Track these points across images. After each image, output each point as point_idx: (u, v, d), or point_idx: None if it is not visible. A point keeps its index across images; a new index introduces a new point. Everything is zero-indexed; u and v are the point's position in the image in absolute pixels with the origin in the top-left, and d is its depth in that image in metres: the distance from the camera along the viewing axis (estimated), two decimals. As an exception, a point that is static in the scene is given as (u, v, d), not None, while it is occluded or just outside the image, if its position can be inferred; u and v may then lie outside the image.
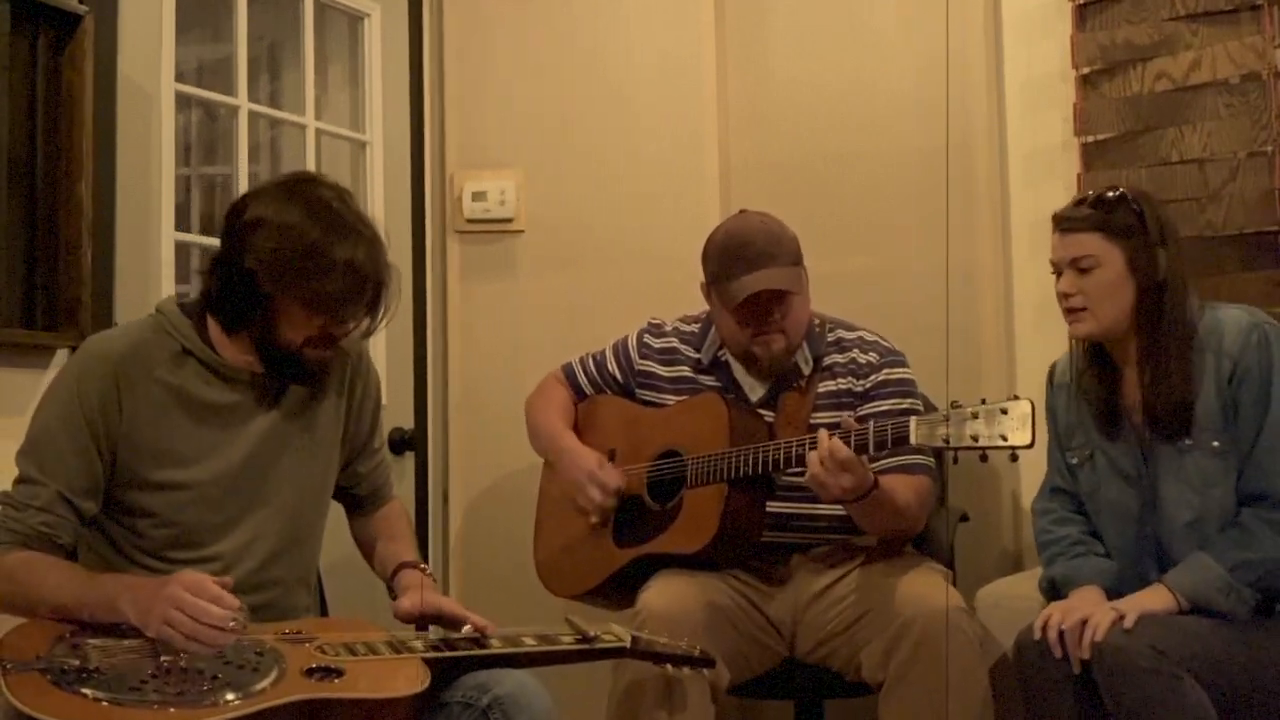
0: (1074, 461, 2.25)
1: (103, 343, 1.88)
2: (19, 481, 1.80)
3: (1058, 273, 2.17)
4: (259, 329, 1.84)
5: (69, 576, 1.74)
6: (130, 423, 1.82)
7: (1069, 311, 2.15)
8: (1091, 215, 2.13)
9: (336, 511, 2.16)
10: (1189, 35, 2.70)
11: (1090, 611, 1.98)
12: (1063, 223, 2.16)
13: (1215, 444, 2.07)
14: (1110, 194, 2.14)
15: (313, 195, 1.83)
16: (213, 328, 1.89)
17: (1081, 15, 2.82)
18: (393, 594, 2.03)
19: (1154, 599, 2.00)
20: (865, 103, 3.00)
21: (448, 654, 1.79)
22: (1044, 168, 2.89)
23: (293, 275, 1.78)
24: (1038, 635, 2.02)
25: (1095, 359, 2.21)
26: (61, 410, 1.81)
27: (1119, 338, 2.15)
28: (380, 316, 1.87)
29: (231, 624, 1.63)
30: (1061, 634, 1.99)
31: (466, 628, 1.86)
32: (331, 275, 1.78)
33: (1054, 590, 2.18)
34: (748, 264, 2.34)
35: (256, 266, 1.79)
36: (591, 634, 1.92)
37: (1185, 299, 2.11)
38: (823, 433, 2.14)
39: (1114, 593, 2.09)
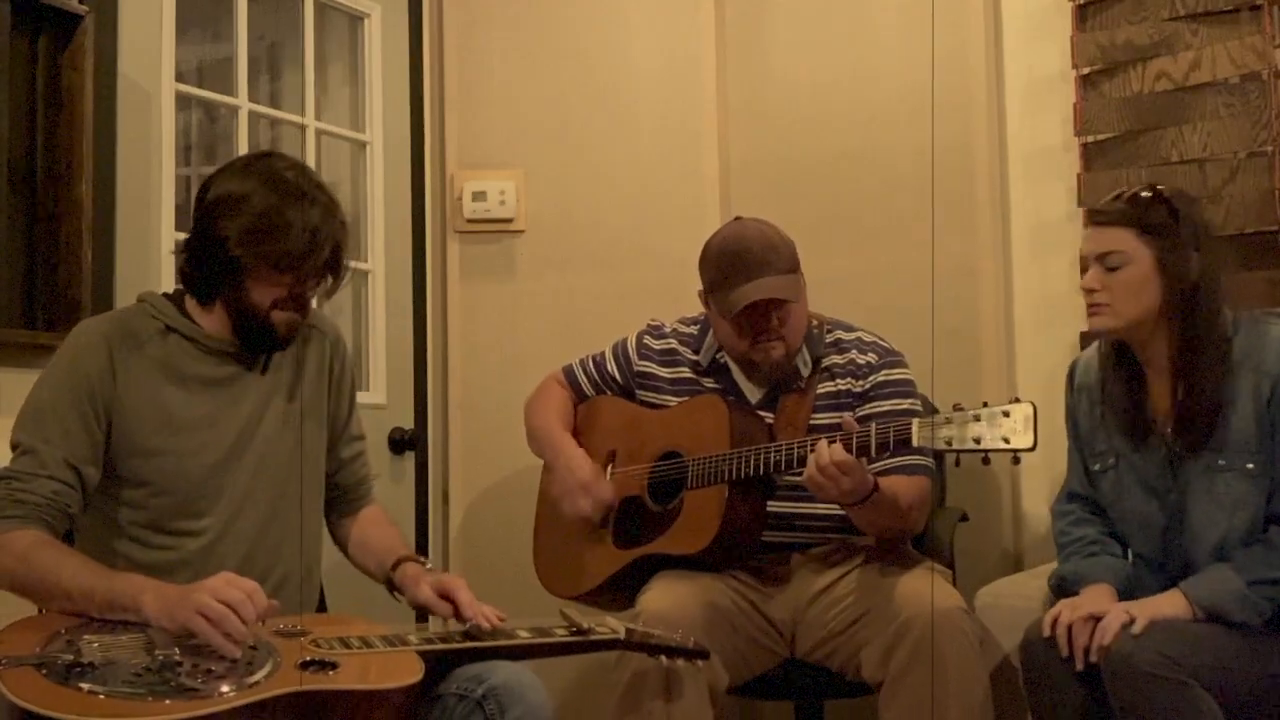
0: (1096, 468, 2.21)
1: (93, 322, 1.95)
2: (20, 454, 1.81)
3: (1085, 268, 2.12)
4: (230, 297, 1.91)
5: (86, 565, 1.75)
6: (124, 391, 1.87)
7: (1090, 306, 2.11)
8: (1125, 210, 2.08)
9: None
10: (1189, 35, 2.70)
11: (1100, 611, 1.96)
12: (1096, 215, 2.12)
13: (1250, 466, 2.02)
14: (1146, 192, 2.10)
15: (268, 167, 1.92)
16: (192, 306, 1.96)
17: (1081, 15, 2.82)
18: (393, 587, 2.04)
19: (1169, 605, 1.97)
20: (865, 102, 3.00)
21: (442, 647, 1.80)
22: (1044, 168, 2.89)
23: (256, 237, 1.86)
24: (1046, 632, 2.00)
25: (1120, 362, 2.16)
26: (60, 381, 1.85)
27: (1142, 339, 2.11)
28: (341, 275, 1.96)
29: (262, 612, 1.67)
30: (1070, 631, 1.97)
31: (470, 624, 1.87)
32: (291, 234, 1.86)
33: (1063, 587, 2.16)
34: (744, 273, 2.34)
35: (224, 236, 1.87)
36: (585, 626, 1.93)
37: (1218, 305, 2.06)
38: (822, 441, 2.14)
39: (1126, 593, 2.07)
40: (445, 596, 1.93)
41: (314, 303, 2.01)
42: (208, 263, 1.90)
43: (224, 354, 1.95)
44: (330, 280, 1.96)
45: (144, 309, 1.95)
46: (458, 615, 1.90)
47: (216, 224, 1.87)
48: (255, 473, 1.95)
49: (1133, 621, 1.92)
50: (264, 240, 1.86)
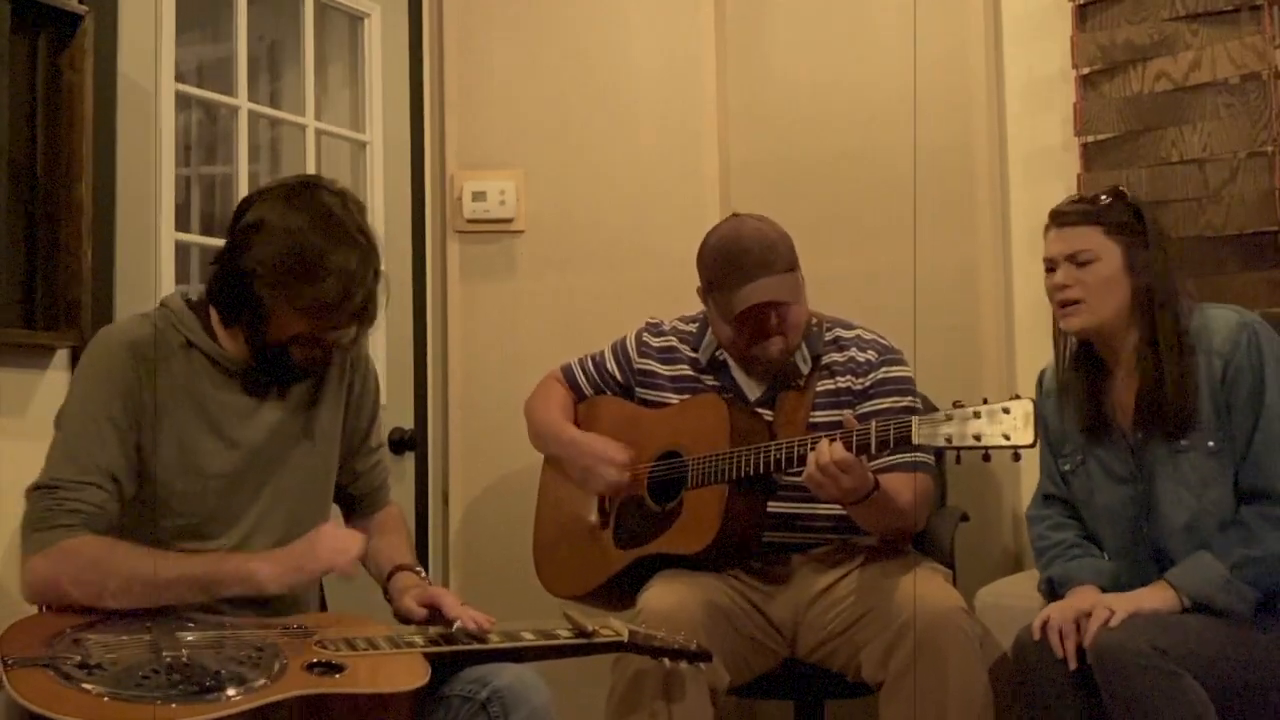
0: (1066, 468, 2.25)
1: (118, 332, 1.91)
2: (63, 462, 1.79)
3: (1052, 268, 2.17)
4: (249, 325, 1.88)
5: (168, 555, 1.76)
6: (148, 412, 1.84)
7: (1063, 305, 2.15)
8: (1089, 210, 2.15)
9: (337, 512, 2.16)
10: (1189, 35, 2.70)
11: (1086, 609, 1.98)
12: (1060, 217, 2.17)
13: (1210, 444, 2.07)
14: (1106, 195, 2.17)
15: (315, 201, 1.87)
16: (216, 320, 1.93)
17: (1081, 15, 2.82)
18: (387, 595, 2.04)
19: (1155, 597, 2.01)
20: (865, 102, 3.00)
21: (447, 649, 1.80)
22: (1044, 168, 2.89)
23: (286, 280, 1.82)
24: (1036, 635, 2.02)
25: (1084, 361, 2.21)
26: (94, 393, 1.83)
27: (1110, 336, 2.16)
28: (369, 323, 1.92)
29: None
30: (1060, 633, 1.99)
31: (458, 624, 1.86)
32: (324, 283, 1.82)
33: (1052, 591, 2.18)
34: (744, 274, 2.34)
35: (254, 268, 1.83)
36: (589, 628, 1.93)
37: (1179, 300, 2.12)
38: (822, 440, 2.14)
39: (1112, 593, 2.08)
40: (430, 607, 1.93)
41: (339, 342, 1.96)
42: (234, 288, 1.86)
43: (243, 375, 1.92)
44: (356, 329, 1.91)
45: (167, 318, 1.92)
46: (443, 622, 1.89)
47: (247, 252, 1.84)
48: (270, 497, 1.93)
49: (1112, 615, 1.94)
50: (294, 285, 1.82)
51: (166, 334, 1.90)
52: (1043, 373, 2.33)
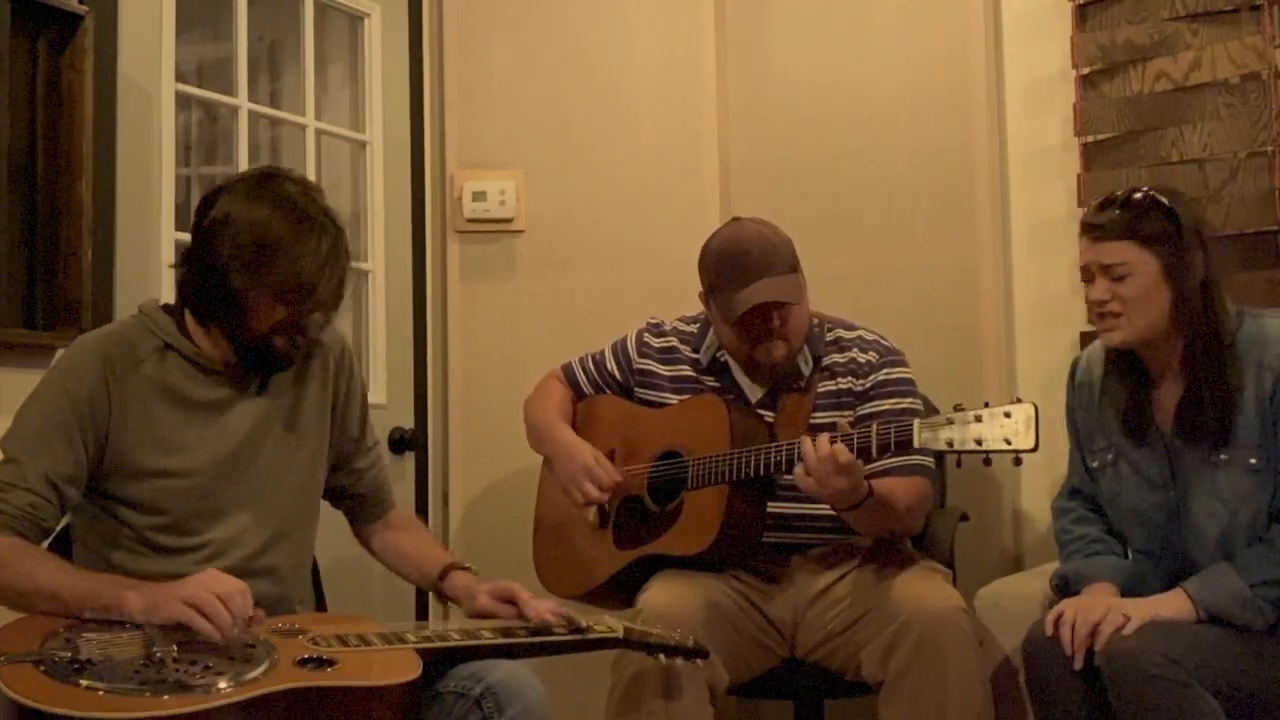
0: (1094, 465, 2.21)
1: (91, 339, 1.92)
2: (4, 464, 1.81)
3: (1088, 279, 2.10)
4: (229, 321, 1.88)
5: (65, 567, 1.77)
6: (119, 414, 1.85)
7: (1101, 318, 2.09)
8: (1122, 221, 2.05)
9: (334, 513, 2.16)
10: (1189, 35, 2.70)
11: (1100, 614, 1.95)
12: (1093, 229, 2.08)
13: (1252, 461, 2.02)
14: (1139, 196, 2.06)
15: (279, 191, 1.88)
16: (190, 322, 1.93)
17: (1081, 15, 2.82)
18: (442, 596, 2.07)
19: (1170, 605, 1.98)
20: (865, 102, 3.00)
21: (439, 645, 1.81)
22: (1044, 168, 2.89)
23: (261, 269, 1.83)
24: (1049, 631, 2.00)
25: (1126, 363, 2.15)
26: (51, 401, 1.84)
27: (1153, 345, 2.09)
28: (338, 306, 1.93)
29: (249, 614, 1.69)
30: (1072, 629, 1.96)
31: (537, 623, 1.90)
32: (299, 266, 1.83)
33: (1065, 586, 2.16)
34: (745, 277, 2.33)
35: (226, 262, 1.83)
36: (583, 624, 1.94)
37: (1224, 302, 2.06)
38: (805, 440, 2.13)
39: (1128, 591, 2.07)
40: (506, 601, 1.95)
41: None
42: (207, 285, 1.86)
43: (222, 374, 1.92)
44: (331, 310, 1.92)
45: (143, 323, 1.92)
46: (521, 616, 1.93)
47: (216, 248, 1.83)
48: (252, 495, 1.93)
49: (1127, 622, 1.92)
50: (269, 272, 1.82)
51: (142, 339, 1.90)
52: (1076, 362, 2.28)
